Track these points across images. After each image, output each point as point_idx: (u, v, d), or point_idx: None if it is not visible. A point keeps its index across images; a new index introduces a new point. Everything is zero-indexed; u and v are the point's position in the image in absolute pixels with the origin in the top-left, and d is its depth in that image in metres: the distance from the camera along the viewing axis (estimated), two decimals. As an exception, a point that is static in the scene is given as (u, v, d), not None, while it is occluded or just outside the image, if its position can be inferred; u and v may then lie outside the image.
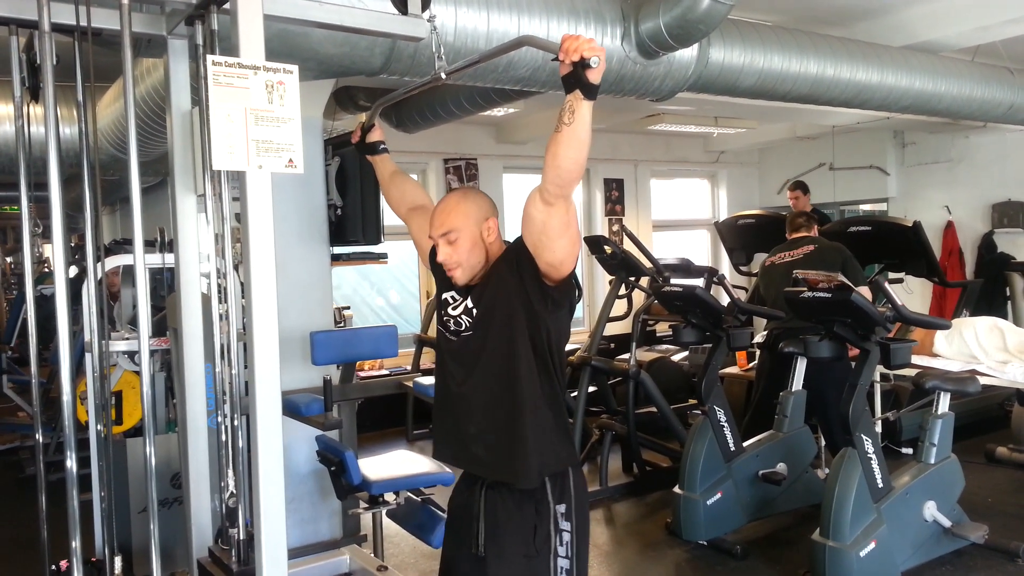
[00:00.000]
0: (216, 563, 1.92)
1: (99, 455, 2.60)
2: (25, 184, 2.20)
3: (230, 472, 1.93)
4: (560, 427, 1.99)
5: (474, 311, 1.99)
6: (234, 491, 1.90)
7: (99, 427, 2.45)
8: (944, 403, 3.69)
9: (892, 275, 5.33)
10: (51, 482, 2.31)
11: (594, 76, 1.62)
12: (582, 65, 1.60)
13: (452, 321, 2.05)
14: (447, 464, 2.13)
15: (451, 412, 2.07)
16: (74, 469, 2.05)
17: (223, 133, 1.48)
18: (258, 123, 1.51)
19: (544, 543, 1.92)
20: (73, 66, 2.09)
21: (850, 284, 3.39)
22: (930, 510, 3.62)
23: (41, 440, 2.35)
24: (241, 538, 1.83)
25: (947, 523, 3.64)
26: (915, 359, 4.26)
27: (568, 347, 6.55)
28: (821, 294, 3.48)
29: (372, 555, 3.20)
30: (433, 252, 2.11)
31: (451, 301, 2.06)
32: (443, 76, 1.99)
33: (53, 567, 2.36)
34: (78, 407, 3.55)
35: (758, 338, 5.22)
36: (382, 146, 2.42)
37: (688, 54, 3.72)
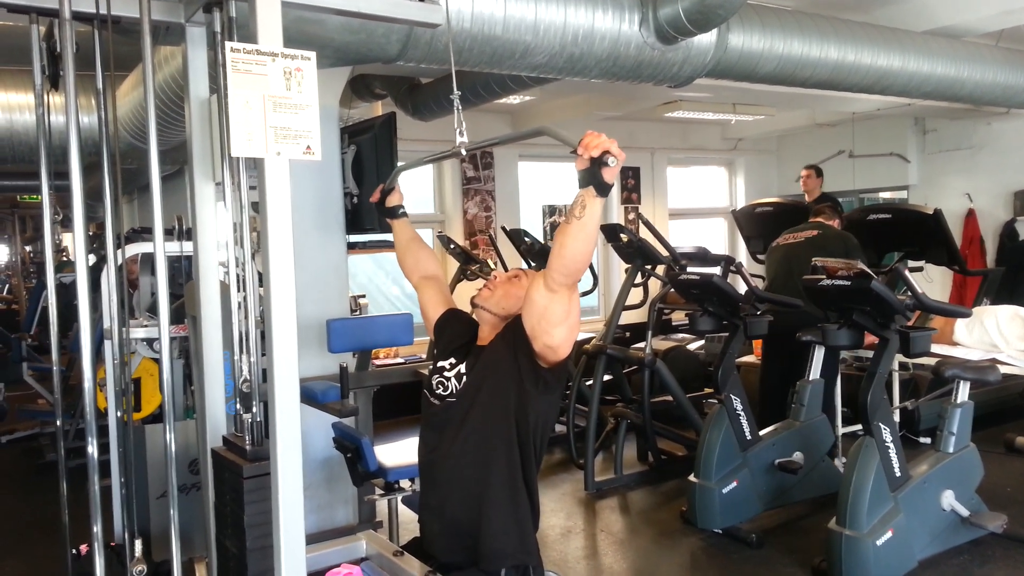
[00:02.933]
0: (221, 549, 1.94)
1: (119, 441, 2.63)
2: (46, 173, 2.21)
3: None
4: (528, 519, 1.95)
5: (464, 378, 1.98)
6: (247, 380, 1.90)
7: (119, 413, 2.47)
8: (963, 392, 3.66)
9: (912, 263, 5.28)
10: (71, 468, 2.33)
11: (609, 176, 1.63)
12: (599, 163, 1.61)
13: (440, 384, 2.03)
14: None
15: (424, 480, 2.06)
16: (95, 455, 2.07)
17: (241, 120, 1.48)
18: (276, 110, 1.51)
19: None
20: (92, 55, 2.10)
21: (870, 272, 3.36)
22: (948, 499, 3.59)
23: (61, 427, 2.37)
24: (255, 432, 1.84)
25: (965, 512, 3.61)
26: (935, 348, 4.22)
27: (583, 335, 6.57)
28: (840, 282, 3.45)
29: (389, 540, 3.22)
30: (439, 321, 2.20)
31: (447, 367, 2.05)
32: (463, 153, 2.02)
33: (74, 551, 2.39)
34: (98, 394, 3.59)
35: None
36: (401, 210, 2.42)
37: (707, 39, 3.68)
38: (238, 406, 1.92)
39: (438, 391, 2.03)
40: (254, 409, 1.86)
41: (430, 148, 7.56)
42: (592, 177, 1.63)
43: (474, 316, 2.10)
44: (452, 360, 2.05)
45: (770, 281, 5.00)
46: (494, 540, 1.87)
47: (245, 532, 1.70)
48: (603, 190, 1.64)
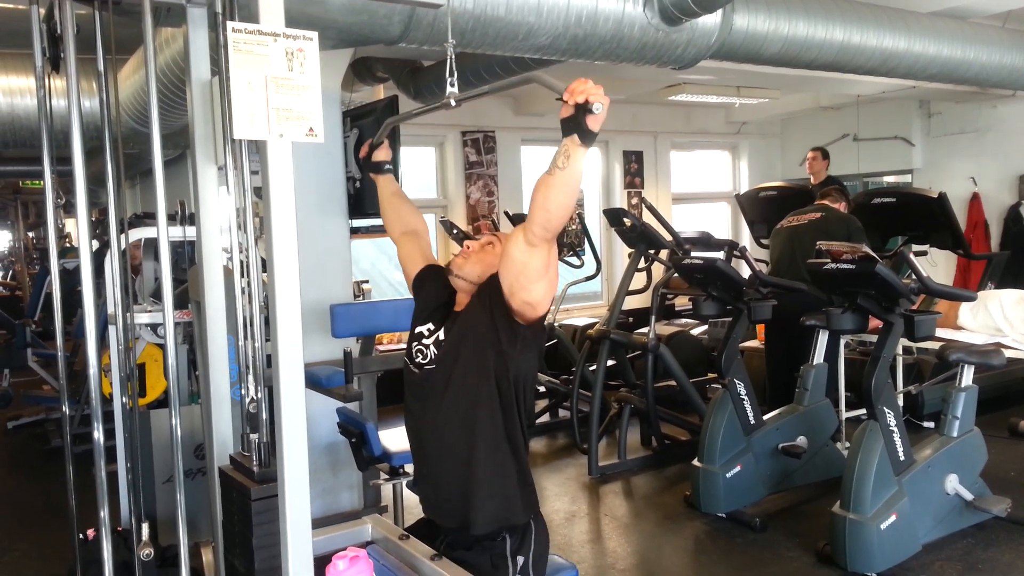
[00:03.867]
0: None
1: (124, 427, 2.63)
2: (48, 157, 2.20)
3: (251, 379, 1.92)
4: (521, 473, 1.93)
5: (443, 345, 1.96)
6: (254, 396, 1.89)
7: (124, 399, 2.47)
8: (968, 376, 3.65)
9: (916, 247, 5.27)
10: (77, 454, 2.34)
11: (594, 123, 1.59)
12: (584, 110, 1.57)
13: (419, 351, 2.01)
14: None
15: (414, 451, 2.05)
16: (101, 441, 2.07)
17: (243, 101, 1.46)
18: (278, 91, 1.50)
19: None
20: (93, 37, 2.08)
21: (875, 256, 3.34)
22: (952, 483, 3.60)
23: (67, 412, 2.38)
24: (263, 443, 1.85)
25: (969, 496, 3.61)
26: (939, 332, 4.21)
27: (587, 321, 6.57)
28: (845, 266, 3.43)
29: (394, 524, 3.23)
30: (417, 278, 2.17)
31: (425, 333, 2.03)
32: (453, 103, 1.97)
33: (81, 536, 2.40)
34: (103, 380, 3.59)
35: None
36: (387, 166, 2.37)
37: (711, 20, 3.65)
38: (246, 427, 1.91)
39: (417, 359, 2.01)
40: (262, 427, 1.85)
41: (432, 132, 7.57)
42: (576, 125, 1.59)
43: (452, 283, 2.07)
44: (430, 326, 2.03)
45: (774, 264, 5.00)
46: (485, 505, 1.87)
47: (253, 554, 1.70)
48: (588, 138, 1.60)
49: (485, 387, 1.88)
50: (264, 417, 1.85)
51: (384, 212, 2.38)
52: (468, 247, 2.03)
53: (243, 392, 1.94)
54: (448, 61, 1.99)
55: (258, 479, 1.76)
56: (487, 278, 1.93)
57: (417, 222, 2.36)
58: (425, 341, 2.01)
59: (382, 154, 2.34)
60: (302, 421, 1.57)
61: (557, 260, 1.87)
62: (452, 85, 1.98)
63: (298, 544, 1.53)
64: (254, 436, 1.84)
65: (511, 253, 1.81)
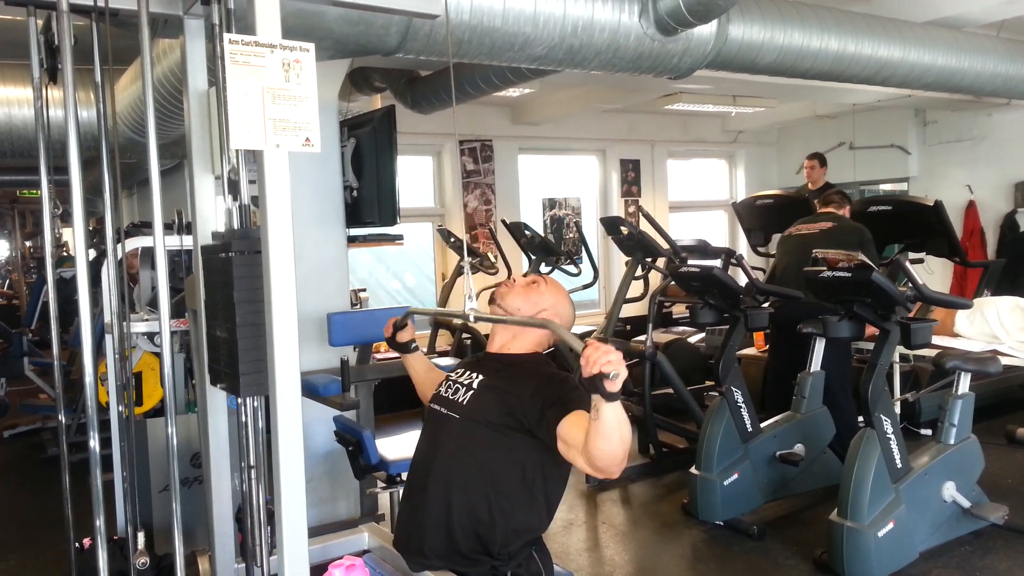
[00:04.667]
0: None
1: (120, 435, 2.63)
2: (45, 167, 2.21)
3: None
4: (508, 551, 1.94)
5: (475, 390, 1.98)
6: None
7: (120, 408, 2.47)
8: (964, 383, 3.66)
9: (913, 255, 5.28)
10: (73, 462, 2.33)
11: (612, 387, 1.60)
12: (601, 376, 1.58)
13: (448, 387, 2.04)
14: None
15: (410, 475, 2.06)
16: (97, 449, 2.07)
17: (240, 112, 1.47)
18: (275, 102, 1.51)
19: None
20: (90, 48, 2.09)
21: (871, 263, 3.35)
22: (949, 491, 3.60)
23: (63, 421, 2.37)
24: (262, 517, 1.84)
25: (966, 504, 3.61)
26: (935, 339, 4.22)
27: (584, 328, 6.55)
28: (841, 273, 3.44)
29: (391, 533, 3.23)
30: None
31: (457, 374, 2.07)
32: (472, 319, 2.01)
33: (77, 545, 2.40)
34: (99, 388, 3.59)
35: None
36: (414, 345, 2.41)
37: (707, 30, 3.67)
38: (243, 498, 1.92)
39: (444, 393, 2.04)
40: (260, 501, 1.86)
41: (429, 140, 7.58)
42: (596, 388, 1.61)
43: (490, 311, 2.11)
44: (461, 370, 2.07)
45: (781, 271, 4.98)
46: (468, 564, 1.88)
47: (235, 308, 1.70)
48: (609, 398, 1.62)
49: (507, 466, 1.90)
50: (261, 425, 1.85)
51: (420, 388, 2.43)
52: (514, 280, 2.12)
53: (242, 464, 1.95)
54: (465, 277, 2.05)
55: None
56: (554, 384, 1.94)
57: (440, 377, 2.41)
58: (455, 381, 2.05)
59: (406, 335, 2.36)
60: (298, 429, 1.57)
61: None
62: (471, 299, 2.02)
63: (293, 520, 1.53)
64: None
65: (567, 441, 1.80)
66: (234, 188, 1.82)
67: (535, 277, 2.13)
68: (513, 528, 1.90)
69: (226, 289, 1.71)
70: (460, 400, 1.98)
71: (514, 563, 1.91)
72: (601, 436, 1.65)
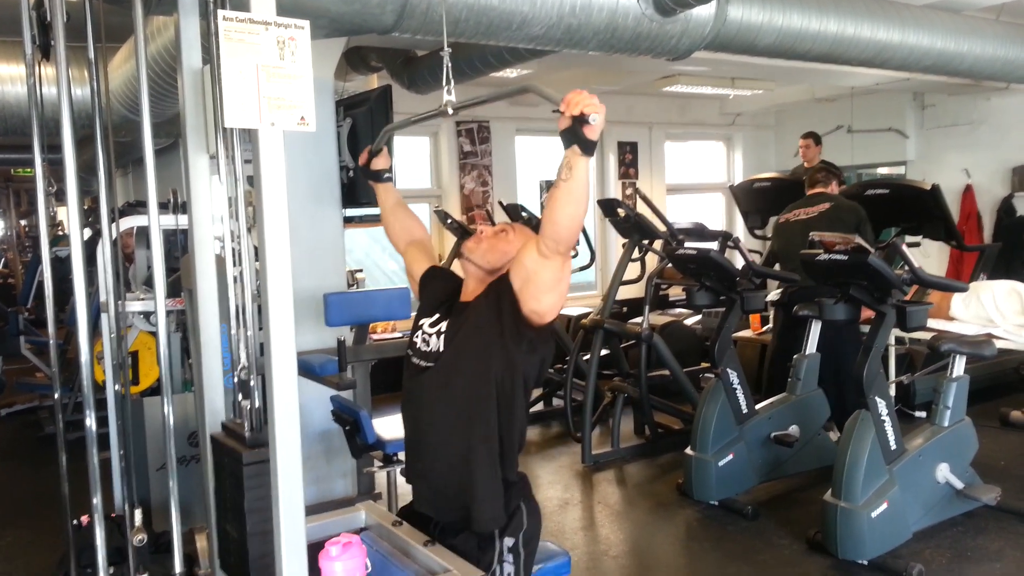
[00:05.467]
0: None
1: (117, 414, 2.64)
2: (38, 145, 2.20)
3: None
4: (511, 470, 1.93)
5: (448, 337, 1.95)
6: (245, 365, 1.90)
7: (116, 387, 2.48)
8: (959, 366, 3.68)
9: (909, 239, 5.28)
10: (70, 441, 2.34)
11: (591, 133, 1.60)
12: (580, 120, 1.58)
13: (423, 340, 2.01)
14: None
15: (409, 443, 2.05)
16: (93, 428, 2.08)
17: (235, 90, 1.46)
18: (269, 80, 1.50)
19: (485, 570, 1.85)
20: (83, 25, 2.07)
21: (868, 247, 3.36)
22: (943, 472, 3.62)
23: (60, 400, 2.38)
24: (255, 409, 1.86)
25: (960, 485, 3.64)
26: (931, 323, 4.23)
27: (581, 310, 6.55)
28: (837, 256, 3.45)
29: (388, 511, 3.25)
30: (422, 279, 2.16)
31: (429, 323, 2.03)
32: (450, 111, 1.97)
33: (75, 522, 2.41)
34: (95, 367, 3.60)
35: (772, 295, 5.21)
36: (387, 174, 2.34)
37: (706, 11, 3.65)
38: (237, 394, 1.92)
39: (420, 348, 2.00)
40: (253, 388, 1.86)
41: (427, 123, 7.51)
42: (575, 136, 1.60)
43: (459, 269, 2.07)
44: (435, 317, 2.02)
45: (783, 257, 4.97)
46: (482, 505, 1.87)
47: (245, 517, 1.71)
48: (587, 148, 1.61)
49: (487, 387, 1.87)
50: (254, 383, 1.85)
51: (387, 223, 2.37)
52: (482, 232, 2.03)
53: (231, 345, 1.94)
54: (444, 69, 1.99)
55: (249, 444, 1.77)
56: (497, 277, 1.93)
57: (420, 230, 2.36)
58: (428, 330, 2.01)
59: (381, 162, 2.30)
60: (295, 408, 1.58)
61: (570, 273, 1.87)
62: (449, 93, 1.98)
63: (290, 504, 1.54)
64: (245, 403, 1.85)
65: (523, 261, 1.82)
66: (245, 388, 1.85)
67: (503, 226, 2.05)
68: (506, 443, 1.90)
69: (236, 492, 1.77)
70: (435, 349, 1.96)
71: (503, 515, 1.92)
72: (572, 196, 1.65)
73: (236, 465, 1.75)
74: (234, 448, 1.80)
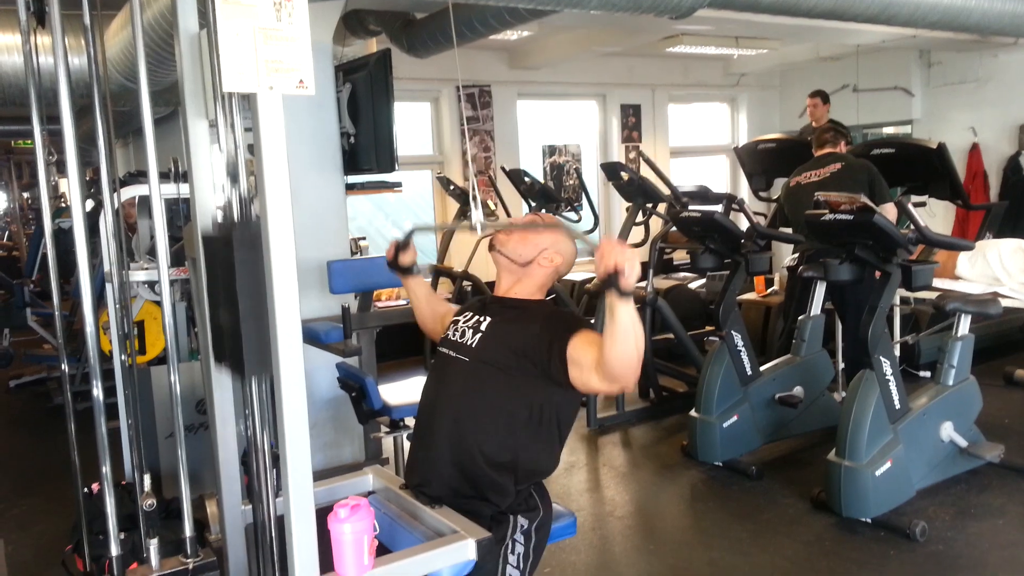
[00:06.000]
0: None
1: (124, 384, 2.65)
2: (37, 116, 2.18)
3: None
4: (524, 485, 1.94)
5: (486, 336, 1.97)
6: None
7: (123, 357, 2.49)
8: (964, 325, 3.67)
9: (915, 198, 5.24)
10: (79, 411, 2.36)
11: (626, 284, 1.60)
12: (616, 272, 1.58)
13: (455, 331, 2.03)
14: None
15: (419, 418, 2.06)
16: (100, 398, 2.09)
17: (232, 53, 1.44)
18: (267, 42, 1.47)
19: (497, 544, 1.88)
20: (77, -10, 2.04)
21: (872, 206, 3.33)
22: (947, 430, 3.64)
23: (67, 371, 2.39)
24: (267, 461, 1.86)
25: (963, 443, 3.66)
26: (937, 282, 4.22)
27: (585, 275, 6.53)
28: (843, 216, 3.42)
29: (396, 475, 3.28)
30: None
31: (463, 317, 2.05)
32: (479, 231, 1.95)
33: (85, 490, 2.44)
34: (101, 338, 3.61)
35: (788, 261, 5.18)
36: (416, 268, 2.31)
37: (708, -32, 3.59)
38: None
39: (452, 337, 2.03)
40: (266, 447, 1.86)
41: (427, 86, 7.45)
42: (610, 284, 1.61)
43: (492, 260, 2.09)
44: (469, 315, 2.05)
45: (794, 222, 4.91)
46: (479, 504, 1.89)
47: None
48: (624, 295, 1.61)
49: (518, 403, 1.89)
50: (267, 437, 1.86)
51: (421, 315, 2.37)
52: (513, 224, 2.07)
53: (246, 411, 1.95)
54: (471, 190, 1.99)
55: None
56: (563, 324, 1.91)
57: (445, 308, 2.37)
58: (463, 325, 2.03)
59: (408, 257, 2.26)
60: (301, 375, 1.58)
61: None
62: (476, 207, 1.99)
63: (298, 472, 1.55)
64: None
65: (581, 361, 1.81)
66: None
67: (533, 216, 2.10)
68: (522, 467, 1.92)
69: (228, 278, 1.73)
70: (469, 343, 1.98)
71: (516, 501, 1.93)
72: (617, 339, 1.65)
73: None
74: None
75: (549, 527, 2.02)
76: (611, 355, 1.68)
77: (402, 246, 2.25)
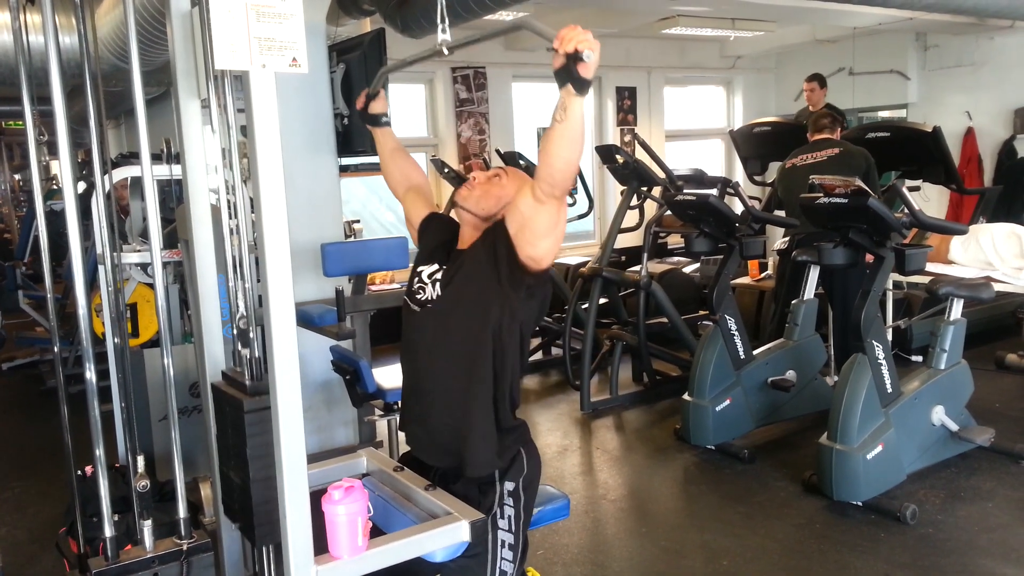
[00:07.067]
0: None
1: (117, 367, 2.64)
2: (27, 96, 2.15)
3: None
4: (507, 415, 1.92)
5: (445, 284, 1.93)
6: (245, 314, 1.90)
7: (116, 339, 2.48)
8: (957, 309, 3.68)
9: (910, 182, 5.24)
10: (72, 394, 2.35)
11: (586, 71, 1.55)
12: (574, 58, 1.53)
13: (420, 288, 1.99)
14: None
15: (407, 389, 2.05)
16: (93, 381, 2.08)
17: (224, 30, 1.42)
18: (260, 19, 1.45)
19: (485, 512, 1.85)
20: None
21: (867, 189, 3.33)
22: (938, 414, 3.66)
23: (59, 353, 2.38)
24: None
25: (954, 427, 3.68)
26: (930, 266, 4.23)
27: (579, 259, 6.54)
28: (837, 200, 3.42)
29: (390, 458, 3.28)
30: (421, 225, 2.13)
31: (427, 271, 2.01)
32: (445, 51, 1.91)
33: (79, 473, 2.43)
34: (94, 320, 3.60)
35: (779, 244, 5.18)
36: (385, 118, 2.28)
37: (705, -50, 3.56)
38: (236, 344, 1.92)
39: (418, 296, 1.99)
40: (252, 339, 1.86)
41: (421, 68, 7.40)
42: (569, 74, 1.56)
43: (455, 216, 2.04)
44: (433, 265, 2.01)
45: (788, 204, 4.91)
46: (479, 448, 1.87)
47: (248, 464, 1.72)
48: (582, 87, 1.57)
49: (485, 332, 1.86)
50: (253, 334, 1.86)
51: (386, 169, 2.33)
52: (474, 178, 2.00)
53: (229, 295, 1.94)
54: (439, 8, 1.94)
55: (250, 392, 1.78)
56: (493, 223, 1.90)
57: (419, 175, 2.32)
58: (426, 278, 1.99)
59: (379, 106, 2.24)
60: (294, 357, 1.58)
61: (566, 217, 1.85)
62: (444, 32, 1.93)
63: (291, 449, 1.55)
64: (245, 351, 1.85)
65: (519, 207, 1.79)
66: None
67: (496, 170, 2.01)
68: (501, 392, 1.90)
69: (238, 439, 1.77)
70: (433, 296, 1.96)
71: (502, 462, 1.92)
72: (566, 138, 1.63)
73: (238, 413, 1.76)
74: (235, 396, 1.81)
75: (537, 482, 2.01)
76: (557, 157, 1.66)
77: (372, 95, 2.23)
